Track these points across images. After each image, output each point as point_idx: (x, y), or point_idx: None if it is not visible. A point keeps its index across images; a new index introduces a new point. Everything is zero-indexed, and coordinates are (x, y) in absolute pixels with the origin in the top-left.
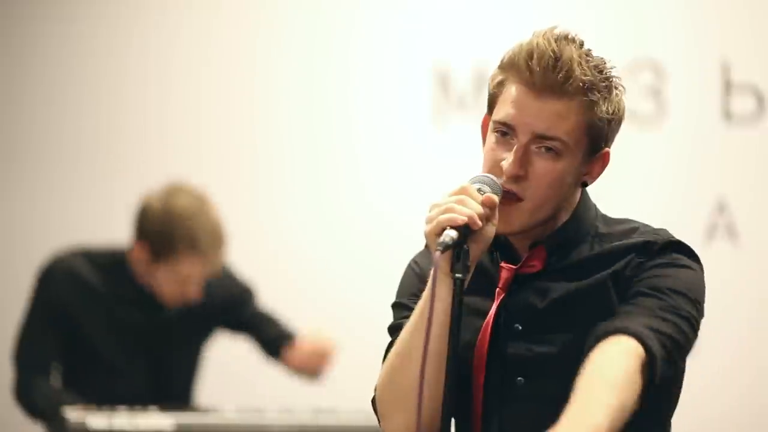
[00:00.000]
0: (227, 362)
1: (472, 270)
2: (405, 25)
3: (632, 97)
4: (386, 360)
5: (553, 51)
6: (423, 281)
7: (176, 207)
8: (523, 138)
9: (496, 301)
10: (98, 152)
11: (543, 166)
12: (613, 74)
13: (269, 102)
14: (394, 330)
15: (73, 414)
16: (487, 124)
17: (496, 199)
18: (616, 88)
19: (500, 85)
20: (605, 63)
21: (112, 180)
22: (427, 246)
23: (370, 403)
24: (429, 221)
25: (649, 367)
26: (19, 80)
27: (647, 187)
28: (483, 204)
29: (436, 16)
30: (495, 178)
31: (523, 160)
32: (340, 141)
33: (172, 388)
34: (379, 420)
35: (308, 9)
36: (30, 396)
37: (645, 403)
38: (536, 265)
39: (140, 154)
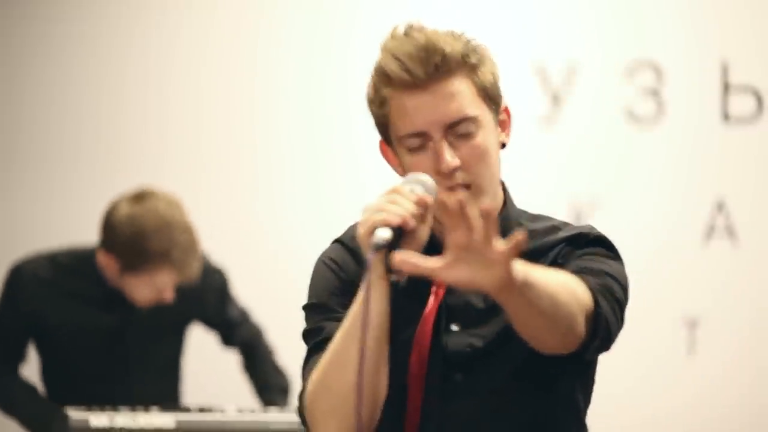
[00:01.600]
0: (227, 362)
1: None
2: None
3: (632, 98)
4: (318, 367)
5: (415, 44)
6: (342, 280)
7: (144, 219)
8: (437, 134)
9: (435, 299)
10: (98, 153)
11: (468, 147)
12: (471, 36)
13: (269, 102)
14: (314, 334)
15: (74, 413)
16: (386, 150)
17: (429, 199)
18: (481, 45)
19: (383, 104)
20: (468, 34)
21: (111, 180)
22: (336, 241)
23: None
24: (362, 224)
25: (593, 320)
26: (19, 80)
27: (647, 187)
28: (417, 204)
29: (436, 16)
30: (429, 178)
31: (451, 150)
32: (340, 141)
33: (154, 387)
34: (308, 428)
35: (308, 9)
36: (2, 395)
37: (565, 392)
38: None
39: (140, 154)
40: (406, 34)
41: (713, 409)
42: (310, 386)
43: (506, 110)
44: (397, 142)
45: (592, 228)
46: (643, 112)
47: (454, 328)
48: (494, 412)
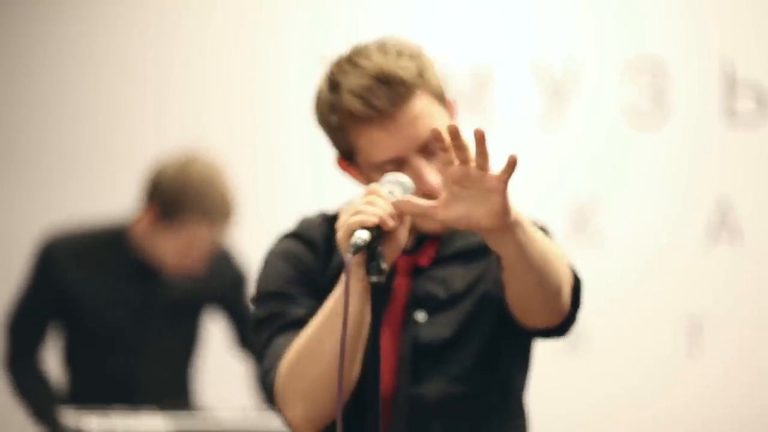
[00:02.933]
0: (227, 362)
1: (387, 272)
2: (403, 25)
3: (634, 97)
4: (290, 354)
5: (370, 75)
6: (299, 270)
7: (191, 172)
8: (414, 157)
9: (401, 287)
10: (97, 152)
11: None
12: (403, 41)
13: (269, 101)
14: (276, 318)
15: (70, 416)
16: (348, 166)
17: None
18: (419, 49)
19: (346, 134)
20: (399, 40)
21: (110, 180)
22: (289, 236)
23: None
24: (340, 227)
25: (574, 293)
26: (17, 80)
27: (648, 187)
28: (395, 206)
29: (435, 16)
30: (406, 178)
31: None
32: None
33: (168, 367)
34: (277, 406)
35: (309, 7)
36: (20, 378)
37: (513, 375)
38: (429, 254)
39: (139, 153)
40: (354, 63)
41: (715, 409)
42: (282, 369)
43: (452, 103)
44: (369, 167)
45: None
46: (646, 111)
47: (421, 315)
48: (460, 396)
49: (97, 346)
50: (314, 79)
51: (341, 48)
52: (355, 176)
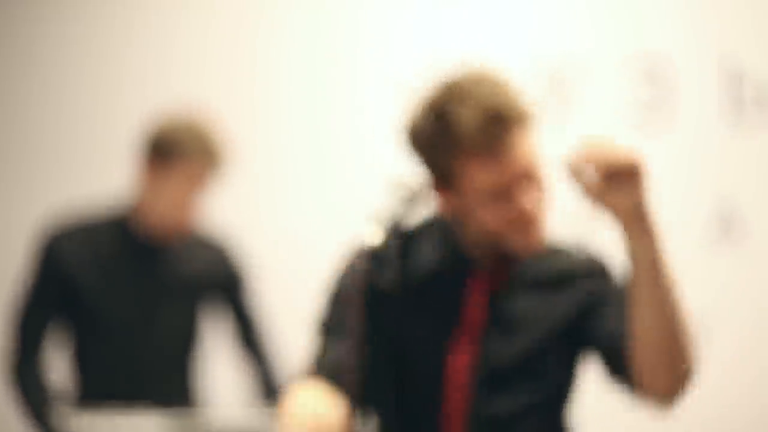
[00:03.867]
0: (227, 362)
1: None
2: (403, 25)
3: (634, 96)
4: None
5: (488, 111)
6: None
7: (182, 118)
8: (519, 186)
9: (477, 307)
10: (96, 152)
11: (538, 187)
12: (491, 71)
13: (269, 102)
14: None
15: (66, 417)
16: (444, 192)
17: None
18: (510, 79)
19: (451, 160)
20: (487, 69)
21: (109, 180)
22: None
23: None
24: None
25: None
26: (16, 80)
27: (649, 186)
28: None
29: (435, 16)
30: (414, 183)
31: (533, 196)
32: (340, 139)
33: (173, 356)
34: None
35: (309, 6)
36: (23, 380)
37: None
38: (505, 276)
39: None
40: (461, 96)
41: (715, 409)
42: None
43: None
44: (472, 193)
45: (591, 252)
46: (647, 111)
47: (495, 335)
48: (529, 412)
49: (106, 336)
50: (313, 77)
51: (341, 48)
52: (446, 198)
